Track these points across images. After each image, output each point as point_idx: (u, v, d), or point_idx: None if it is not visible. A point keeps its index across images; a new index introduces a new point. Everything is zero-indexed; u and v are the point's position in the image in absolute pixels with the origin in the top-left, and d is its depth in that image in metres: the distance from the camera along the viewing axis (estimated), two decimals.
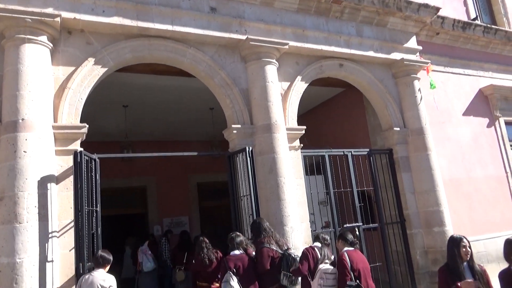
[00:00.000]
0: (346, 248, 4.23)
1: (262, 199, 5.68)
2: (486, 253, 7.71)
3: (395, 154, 7.52)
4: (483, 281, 3.36)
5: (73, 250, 4.52)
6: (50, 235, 4.47)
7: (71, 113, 5.02)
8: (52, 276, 4.39)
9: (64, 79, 5.09)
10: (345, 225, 6.69)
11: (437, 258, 6.90)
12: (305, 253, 4.39)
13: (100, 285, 4.01)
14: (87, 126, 5.04)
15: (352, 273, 3.95)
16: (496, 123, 8.92)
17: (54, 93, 4.99)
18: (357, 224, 6.77)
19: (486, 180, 8.33)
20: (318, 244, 4.48)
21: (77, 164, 4.59)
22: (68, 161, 4.83)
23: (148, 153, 6.00)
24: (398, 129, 7.46)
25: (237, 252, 4.59)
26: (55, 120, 4.90)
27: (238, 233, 4.91)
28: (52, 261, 4.42)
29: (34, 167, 4.44)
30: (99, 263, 4.19)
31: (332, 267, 4.16)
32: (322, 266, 4.16)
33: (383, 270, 6.94)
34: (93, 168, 4.99)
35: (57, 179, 4.78)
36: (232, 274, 4.31)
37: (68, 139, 4.92)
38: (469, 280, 3.27)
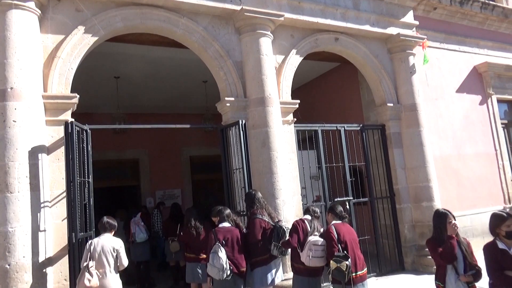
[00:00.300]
0: (334, 222, 4.29)
1: (254, 173, 5.71)
2: (471, 227, 7.91)
3: (388, 130, 7.56)
4: (467, 253, 3.45)
5: (66, 220, 4.54)
6: (42, 205, 4.47)
7: (61, 83, 4.93)
8: (45, 245, 4.43)
9: (53, 48, 4.97)
10: (336, 199, 6.79)
11: (424, 232, 7.07)
12: (295, 226, 4.46)
13: (112, 247, 4.29)
14: (78, 96, 4.96)
15: (339, 245, 4.02)
16: (489, 100, 8.96)
17: (43, 62, 4.88)
18: (348, 198, 6.87)
19: (475, 157, 8.44)
20: (308, 216, 4.53)
21: (68, 134, 4.55)
22: (59, 132, 4.78)
23: (140, 125, 5.96)
24: (392, 105, 7.47)
25: (226, 224, 4.62)
26: (45, 89, 4.82)
27: (225, 207, 4.91)
28: (44, 230, 4.44)
29: (24, 137, 4.39)
30: (106, 228, 4.42)
31: (321, 239, 4.22)
32: (311, 238, 4.23)
33: (371, 243, 7.11)
34: (85, 139, 4.95)
35: (48, 150, 4.74)
36: (220, 245, 4.34)
37: (58, 109, 4.85)
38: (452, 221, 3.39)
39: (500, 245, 3.17)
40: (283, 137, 6.05)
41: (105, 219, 4.47)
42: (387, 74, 7.56)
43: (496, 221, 3.29)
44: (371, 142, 7.51)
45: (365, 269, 4.14)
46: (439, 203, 7.31)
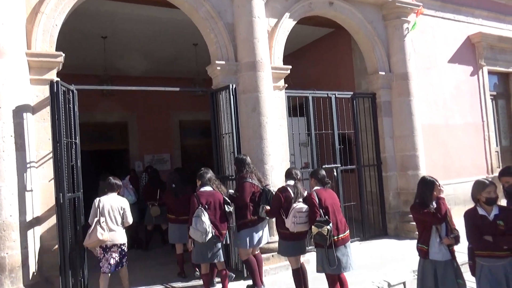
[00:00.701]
0: (316, 187, 4.32)
1: (244, 138, 5.70)
2: (454, 196, 8.11)
3: (378, 98, 7.56)
4: (448, 218, 3.55)
5: (53, 181, 4.51)
6: (28, 165, 4.43)
7: (46, 40, 4.75)
8: (32, 205, 4.43)
9: (36, 3, 4.75)
10: (323, 166, 6.86)
11: (408, 199, 7.24)
12: (277, 197, 4.47)
13: (120, 206, 4.72)
14: (63, 55, 4.81)
15: (321, 210, 4.09)
16: (480, 72, 8.96)
17: (26, 18, 4.68)
18: (336, 165, 6.95)
19: (463, 128, 8.55)
20: (291, 182, 4.51)
21: (53, 94, 4.43)
22: (45, 91, 4.66)
23: (128, 86, 5.83)
24: (384, 73, 7.42)
25: (208, 188, 4.63)
26: (28, 47, 4.65)
27: (207, 169, 4.85)
28: (31, 190, 4.42)
29: (8, 95, 4.27)
30: (114, 188, 4.80)
31: (305, 206, 4.26)
32: (295, 205, 4.26)
33: (357, 209, 7.27)
34: (71, 99, 4.84)
35: (33, 109, 4.64)
36: (203, 209, 4.41)
37: (43, 67, 4.71)
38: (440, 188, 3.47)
39: (481, 211, 3.27)
40: (273, 103, 6.01)
41: (112, 180, 4.81)
42: (381, 42, 7.46)
43: (478, 187, 3.37)
44: (361, 110, 7.51)
45: (347, 231, 4.23)
46: (424, 172, 7.44)
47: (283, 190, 4.47)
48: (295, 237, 4.32)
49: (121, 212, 4.68)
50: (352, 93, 7.43)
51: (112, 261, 4.54)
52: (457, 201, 8.12)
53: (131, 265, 6.47)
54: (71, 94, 4.84)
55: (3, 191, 4.15)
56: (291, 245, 4.37)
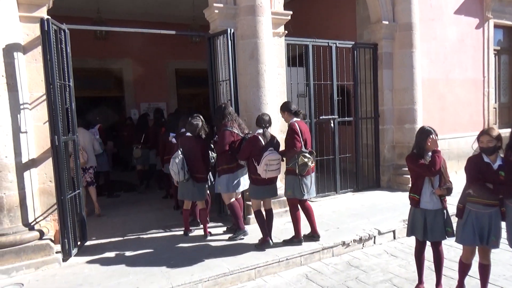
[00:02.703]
0: (295, 119, 4.58)
1: (241, 86, 5.59)
2: (448, 151, 8.19)
3: (380, 49, 7.37)
4: (443, 169, 3.58)
5: (47, 123, 4.45)
6: (21, 107, 4.34)
7: None
8: (27, 147, 4.40)
9: None
10: (321, 117, 6.83)
11: (403, 153, 7.30)
12: (247, 143, 4.63)
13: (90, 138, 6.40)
14: None
15: (302, 141, 4.39)
16: (485, 25, 8.70)
17: None
18: (333, 116, 6.91)
19: (463, 83, 8.44)
20: (260, 130, 4.66)
21: (44, 32, 4.24)
22: (35, 30, 4.47)
23: (122, 28, 5.59)
24: (387, 22, 7.18)
25: (189, 134, 4.95)
26: None
27: (198, 117, 5.05)
28: (26, 132, 4.37)
29: None
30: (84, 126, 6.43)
31: (276, 155, 4.48)
32: (267, 154, 4.42)
33: (352, 161, 7.35)
34: (63, 39, 4.65)
35: (24, 49, 4.47)
36: (180, 153, 4.80)
37: (32, 4, 4.47)
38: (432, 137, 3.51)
39: (486, 159, 3.31)
40: (272, 50, 5.84)
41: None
42: None
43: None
44: (361, 61, 7.36)
45: (314, 163, 4.60)
46: (420, 126, 7.44)
47: (253, 139, 4.61)
48: (266, 182, 4.56)
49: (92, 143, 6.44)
50: (353, 42, 7.23)
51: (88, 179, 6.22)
52: (451, 155, 8.21)
53: (127, 209, 6.65)
54: (62, 34, 4.65)
55: None
56: (261, 189, 4.61)
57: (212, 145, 5.21)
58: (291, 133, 4.46)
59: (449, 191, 3.59)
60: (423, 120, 7.53)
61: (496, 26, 8.96)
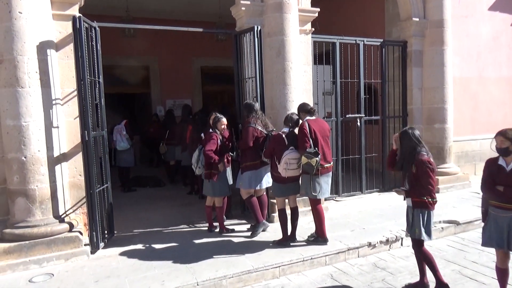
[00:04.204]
0: (308, 117, 4.55)
1: (267, 83, 5.57)
2: (480, 152, 7.91)
3: (409, 47, 7.19)
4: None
5: (78, 118, 4.56)
6: (53, 102, 4.46)
7: None
8: (58, 142, 4.52)
9: None
10: (347, 115, 6.72)
11: (432, 153, 7.02)
12: (274, 140, 4.61)
13: None
14: None
15: (311, 140, 4.35)
16: None
17: None
18: (360, 115, 6.79)
19: (496, 81, 8.13)
20: (286, 129, 4.65)
21: (76, 30, 4.35)
22: (67, 28, 4.59)
23: (150, 25, 5.66)
24: (417, 19, 6.99)
25: (211, 130, 5.06)
26: None
27: (220, 115, 5.13)
28: (57, 127, 4.50)
29: (32, 30, 4.21)
30: None
31: (296, 154, 4.43)
32: (287, 153, 4.41)
33: (378, 161, 7.20)
34: (93, 37, 4.75)
35: (57, 46, 4.60)
36: (199, 148, 5.09)
37: (65, 2, 4.60)
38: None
39: (500, 161, 3.21)
40: (299, 47, 5.78)
41: None
42: None
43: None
44: (390, 59, 7.19)
45: (332, 162, 4.62)
46: (451, 126, 7.23)
47: (277, 136, 4.60)
48: (288, 180, 4.54)
49: None
50: (382, 40, 7.07)
51: None
52: (483, 157, 7.90)
53: (152, 203, 6.75)
54: (93, 32, 4.75)
55: (31, 127, 4.22)
56: (283, 187, 4.60)
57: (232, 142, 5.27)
58: (301, 132, 4.47)
59: (406, 193, 3.74)
60: (454, 120, 7.31)
61: None
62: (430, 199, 3.51)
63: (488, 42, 7.97)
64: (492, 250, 4.57)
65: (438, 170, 7.11)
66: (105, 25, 5.09)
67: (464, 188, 7.22)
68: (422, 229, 3.53)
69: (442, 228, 5.22)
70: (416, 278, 3.95)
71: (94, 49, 4.75)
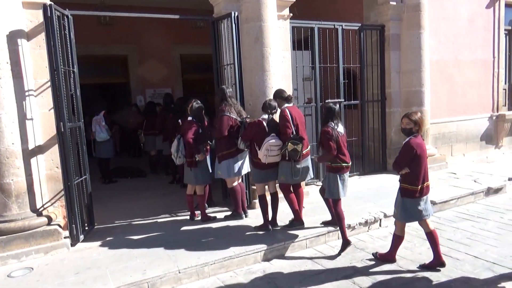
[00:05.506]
0: (286, 104, 4.58)
1: (245, 70, 5.54)
2: (456, 133, 8.09)
3: (387, 31, 7.24)
4: None
5: (53, 110, 4.46)
6: (26, 93, 4.35)
7: None
8: (33, 134, 4.43)
9: None
10: (327, 100, 6.75)
11: None
12: (253, 125, 4.62)
13: None
14: None
15: (293, 127, 4.42)
16: (497, 4, 8.46)
17: None
18: (339, 100, 6.84)
19: (472, 64, 8.28)
20: (265, 116, 4.64)
21: (47, 18, 4.22)
22: (38, 16, 4.44)
23: (126, 13, 5.54)
24: (395, 3, 7.03)
25: (190, 118, 5.00)
26: None
27: (198, 101, 5.14)
28: (32, 119, 4.40)
29: (1, 19, 4.07)
30: None
31: (277, 140, 4.46)
32: (268, 139, 4.44)
33: (358, 145, 7.29)
34: (66, 25, 4.62)
35: (28, 35, 4.46)
36: (177, 137, 5.04)
37: None
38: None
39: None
40: (277, 33, 5.75)
41: None
42: None
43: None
44: (368, 43, 7.23)
45: (309, 148, 4.70)
46: (428, 108, 7.36)
47: (258, 122, 4.60)
48: (266, 166, 4.57)
49: None
50: (360, 24, 7.10)
51: None
52: (459, 138, 8.13)
53: (134, 194, 6.72)
54: (66, 20, 4.62)
55: (3, 119, 4.12)
56: (263, 172, 4.63)
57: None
58: (282, 119, 4.48)
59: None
60: (431, 102, 7.44)
61: (508, 5, 8.72)
62: (333, 164, 4.17)
63: (464, 25, 8.08)
64: (467, 227, 4.76)
65: None
66: (78, 13, 4.94)
67: (441, 169, 7.41)
68: (338, 189, 4.17)
69: None
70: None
71: (67, 38, 4.63)
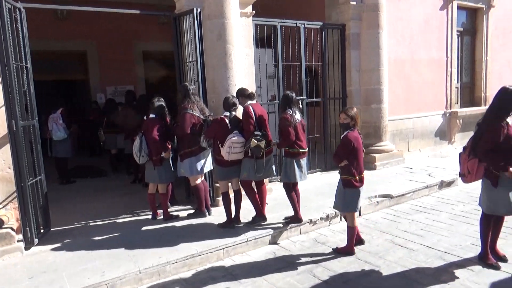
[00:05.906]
0: (249, 102, 4.62)
1: (208, 67, 5.52)
2: (413, 129, 8.44)
3: (348, 30, 7.43)
4: None
5: (3, 107, 4.25)
6: None
7: None
8: None
9: None
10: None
11: (370, 132, 7.51)
12: (215, 123, 4.62)
13: None
14: None
15: (256, 124, 4.48)
16: (449, 6, 8.87)
17: None
18: (302, 97, 6.95)
19: (427, 63, 8.65)
20: (227, 113, 4.66)
21: None
22: None
23: (83, 7, 5.36)
24: (355, 3, 7.23)
25: (152, 115, 4.92)
26: None
27: (161, 98, 5.09)
28: None
29: None
30: None
31: (240, 138, 4.48)
32: (231, 136, 4.45)
33: (320, 141, 7.45)
34: (18, 18, 4.41)
35: None
36: (140, 135, 4.93)
37: None
38: None
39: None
40: (240, 30, 5.76)
41: None
42: None
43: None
44: (329, 42, 7.39)
45: (272, 145, 4.68)
46: (387, 106, 7.63)
47: (220, 120, 4.59)
48: (229, 163, 4.57)
49: None
50: (321, 23, 7.24)
51: None
52: (415, 134, 8.48)
53: (94, 194, 6.53)
54: (18, 13, 4.41)
55: None
56: (225, 170, 4.64)
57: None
58: (245, 116, 4.51)
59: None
60: (389, 100, 7.71)
61: (460, 8, 9.17)
62: (291, 149, 4.43)
63: (420, 25, 8.42)
64: (421, 219, 4.97)
65: (375, 148, 7.54)
66: (30, 5, 4.72)
67: (398, 164, 7.70)
68: (294, 173, 4.45)
69: (377, 202, 5.56)
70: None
71: (20, 32, 4.42)
